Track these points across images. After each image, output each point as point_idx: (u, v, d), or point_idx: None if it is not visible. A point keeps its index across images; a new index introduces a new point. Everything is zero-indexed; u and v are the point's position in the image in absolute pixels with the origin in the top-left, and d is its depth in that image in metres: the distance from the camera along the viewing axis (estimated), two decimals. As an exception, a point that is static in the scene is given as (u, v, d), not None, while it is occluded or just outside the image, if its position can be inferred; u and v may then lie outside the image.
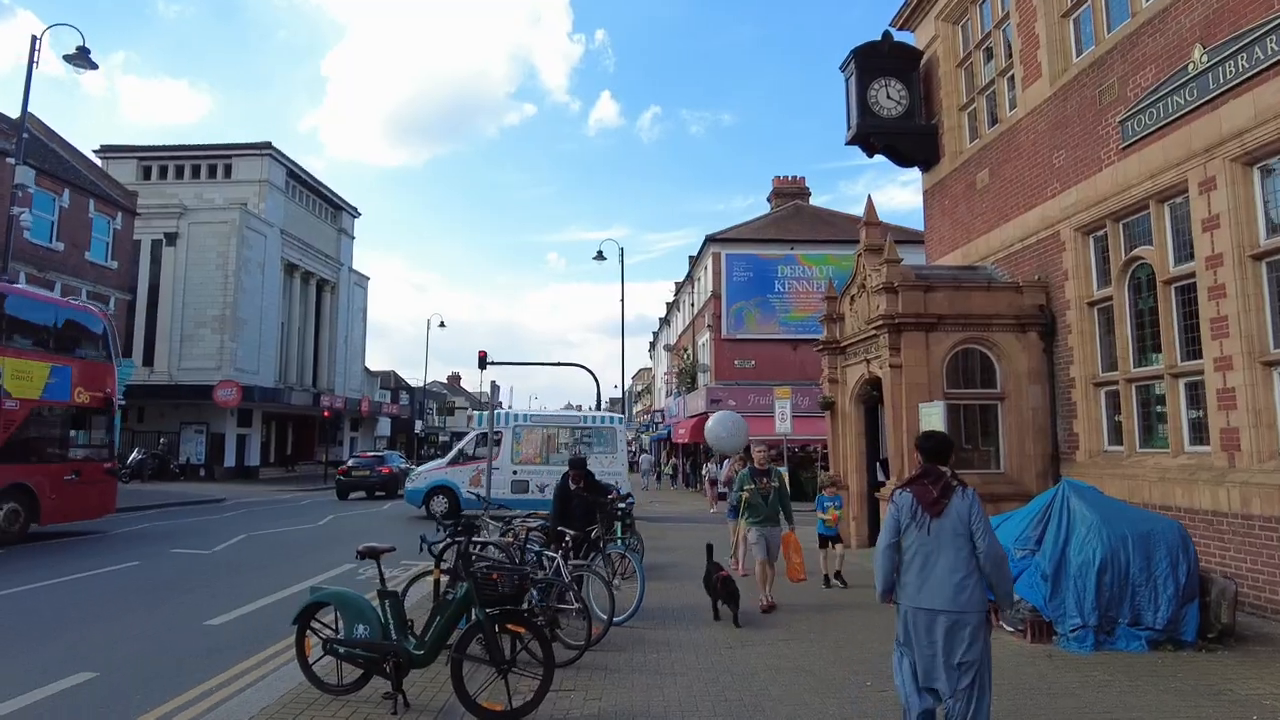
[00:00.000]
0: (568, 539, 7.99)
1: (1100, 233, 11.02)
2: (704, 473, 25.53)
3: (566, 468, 9.66)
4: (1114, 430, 10.89)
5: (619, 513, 11.55)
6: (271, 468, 47.82)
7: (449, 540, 6.99)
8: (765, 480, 9.37)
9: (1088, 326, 11.30)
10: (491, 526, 10.01)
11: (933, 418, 10.61)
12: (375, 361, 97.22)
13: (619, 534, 11.48)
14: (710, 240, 32.81)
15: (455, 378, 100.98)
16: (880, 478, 14.33)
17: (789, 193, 38.47)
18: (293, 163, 49.21)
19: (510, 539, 8.59)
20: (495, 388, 17.80)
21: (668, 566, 12.49)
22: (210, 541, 15.28)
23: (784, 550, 9.48)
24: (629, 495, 12.44)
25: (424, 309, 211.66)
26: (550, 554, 7.82)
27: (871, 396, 12.63)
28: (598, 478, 10.44)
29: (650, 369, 71.47)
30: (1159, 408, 10.01)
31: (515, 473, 21.04)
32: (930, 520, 4.24)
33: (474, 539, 6.58)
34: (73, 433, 16.34)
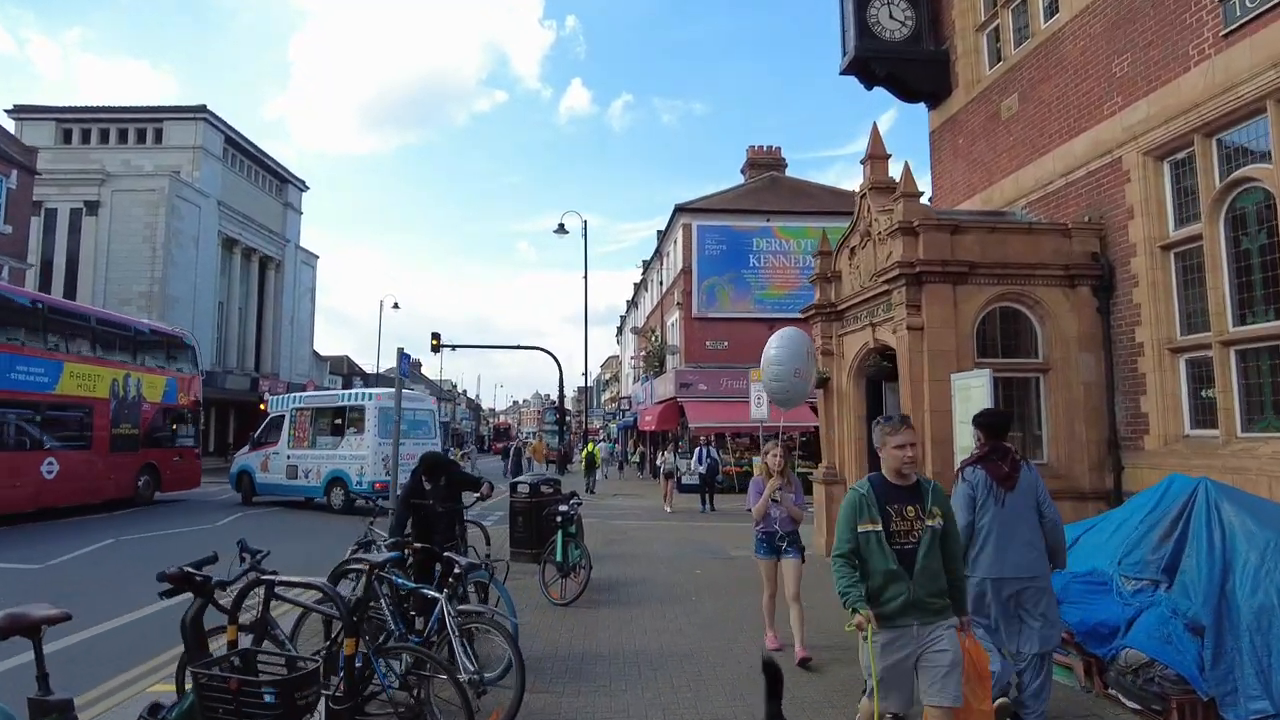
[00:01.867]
0: (457, 568, 5.22)
1: (1182, 154, 8.52)
2: (659, 463, 22.69)
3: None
4: (1200, 410, 8.44)
5: (561, 519, 8.84)
6: (211, 457, 44.26)
7: (244, 573, 4.26)
8: (910, 507, 4.02)
9: (1160, 277, 8.81)
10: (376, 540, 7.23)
11: (974, 392, 8.05)
12: (341, 350, 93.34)
13: (559, 547, 8.78)
14: (680, 210, 30.12)
15: (415, 365, 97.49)
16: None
17: (764, 164, 35.88)
18: (231, 129, 45.55)
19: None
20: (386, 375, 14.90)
21: (625, 585, 9.85)
22: (56, 551, 12.29)
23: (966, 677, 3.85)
24: (574, 495, 9.75)
25: (392, 297, 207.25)
26: (430, 591, 5.09)
27: (878, 369, 10.11)
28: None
29: (618, 357, 68.71)
30: (1275, 378, 7.55)
31: (289, 458, 20.32)
32: (1006, 494, 4.67)
33: (256, 577, 3.85)
34: (174, 426, 21.78)
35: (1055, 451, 9.55)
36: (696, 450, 20.41)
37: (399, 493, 6.47)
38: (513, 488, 11.98)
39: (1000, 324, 9.72)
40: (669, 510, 18.92)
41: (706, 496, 19.28)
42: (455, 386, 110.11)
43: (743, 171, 36.55)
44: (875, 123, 11.33)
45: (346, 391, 23.02)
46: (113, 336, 19.62)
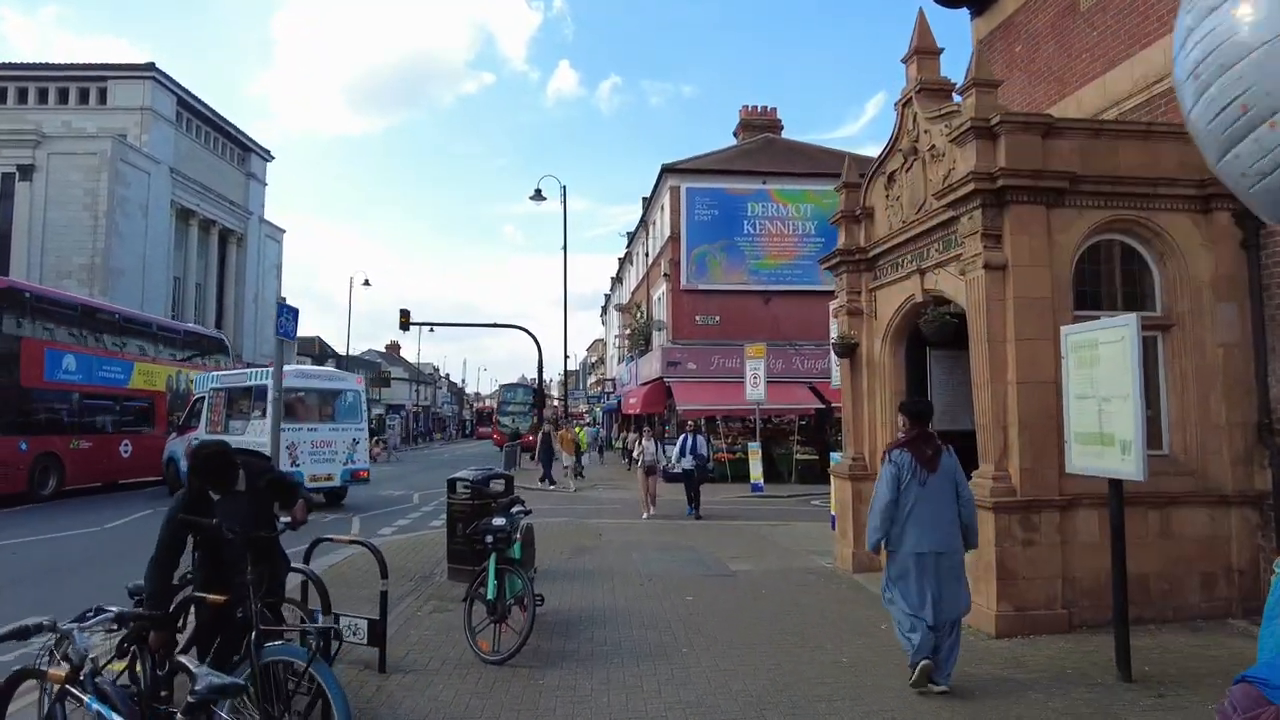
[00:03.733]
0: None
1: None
2: (635, 454, 18.47)
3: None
4: None
5: (492, 539, 6.16)
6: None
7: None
8: None
9: (1347, 191, 6.19)
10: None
11: (1105, 352, 5.33)
12: (323, 334, 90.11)
13: (490, 579, 6.11)
14: (668, 171, 27.34)
15: (394, 347, 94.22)
16: (929, 461, 9.16)
17: (759, 125, 33.07)
18: (186, 91, 42.23)
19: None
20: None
21: (589, 624, 7.20)
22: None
23: None
24: (516, 503, 7.04)
25: (363, 274, 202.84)
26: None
27: (942, 325, 7.33)
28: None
29: (604, 340, 65.95)
30: None
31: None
32: (928, 475, 5.13)
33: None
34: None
35: (1180, 438, 6.96)
36: (681, 438, 15.60)
37: (168, 513, 3.68)
38: (451, 485, 9.30)
39: (1097, 265, 7.10)
40: (647, 516, 14.52)
41: (692, 499, 14.83)
42: (437, 370, 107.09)
43: (735, 134, 33.76)
44: (921, 10, 8.61)
45: (252, 369, 20.15)
46: (166, 338, 24.08)
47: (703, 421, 23.63)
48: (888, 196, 9.14)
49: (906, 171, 8.59)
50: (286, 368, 18.79)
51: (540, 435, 23.23)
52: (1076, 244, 6.81)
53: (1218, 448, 6.83)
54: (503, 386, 56.86)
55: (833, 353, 9.61)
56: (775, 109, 33.79)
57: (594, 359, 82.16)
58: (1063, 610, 6.46)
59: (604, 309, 55.82)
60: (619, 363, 40.97)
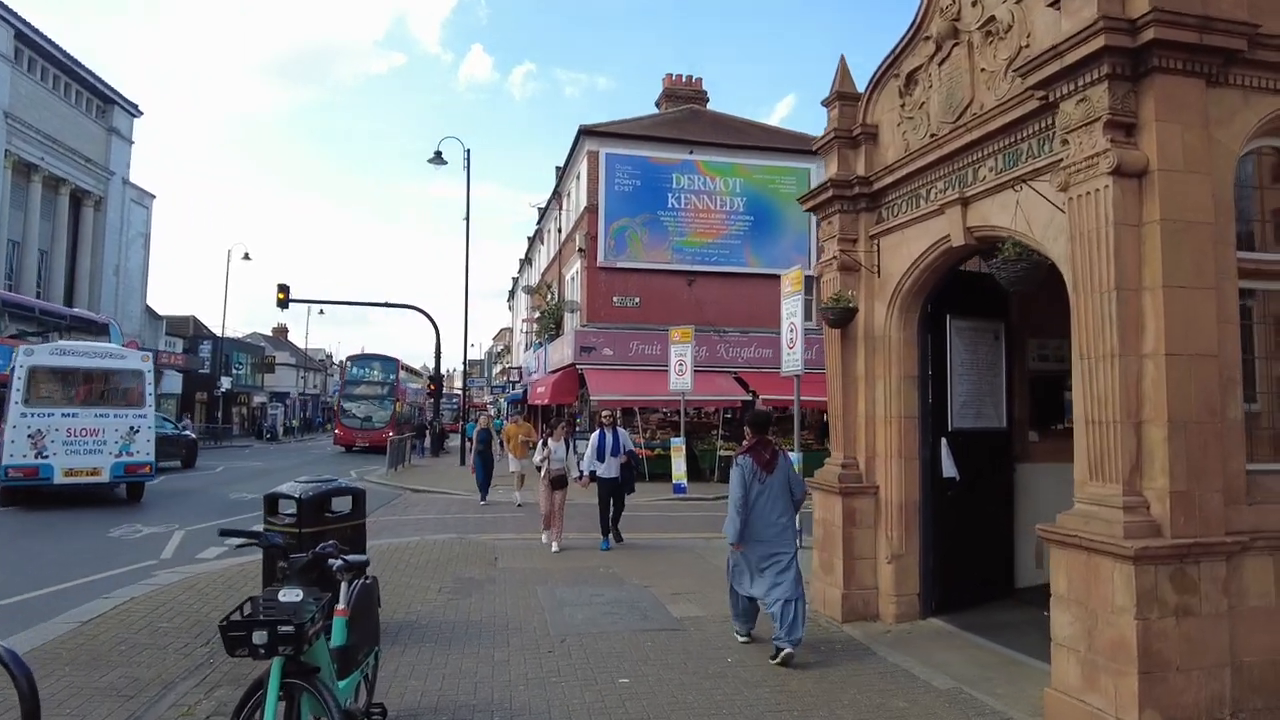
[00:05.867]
0: None
1: None
2: (538, 461, 11.24)
3: None
4: None
5: (274, 636, 3.19)
6: None
7: None
8: None
9: None
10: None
11: None
12: (207, 315, 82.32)
13: (270, 708, 3.14)
14: (586, 134, 24.45)
15: (282, 330, 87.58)
16: (950, 472, 6.74)
17: (684, 95, 30.56)
18: (29, 24, 36.34)
19: None
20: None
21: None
22: None
23: None
24: (329, 559, 4.01)
25: (271, 264, 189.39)
26: None
27: (1030, 269, 4.66)
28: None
29: (510, 328, 62.43)
30: None
31: None
32: (766, 476, 5.95)
33: None
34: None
35: (1365, 445, 4.67)
36: (597, 435, 10.75)
37: None
38: (270, 505, 6.24)
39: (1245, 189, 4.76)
40: (553, 543, 10.29)
41: (610, 522, 10.57)
42: (330, 357, 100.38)
43: (658, 104, 31.13)
44: None
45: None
46: (50, 322, 22.82)
47: (618, 413, 20.98)
48: (903, 107, 6.63)
49: (940, 65, 6.09)
50: (41, 345, 15.14)
51: (477, 434, 16.88)
52: (1239, 147, 4.44)
53: None
54: (350, 359, 38.03)
55: (822, 321, 7.06)
56: (701, 80, 31.36)
57: (500, 348, 78.39)
58: (1229, 718, 4.08)
59: (511, 293, 52.24)
60: (526, 349, 37.83)
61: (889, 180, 6.65)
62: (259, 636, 3.00)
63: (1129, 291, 4.18)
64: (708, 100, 30.96)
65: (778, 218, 25.05)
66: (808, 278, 10.06)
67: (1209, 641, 4.05)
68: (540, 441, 11.60)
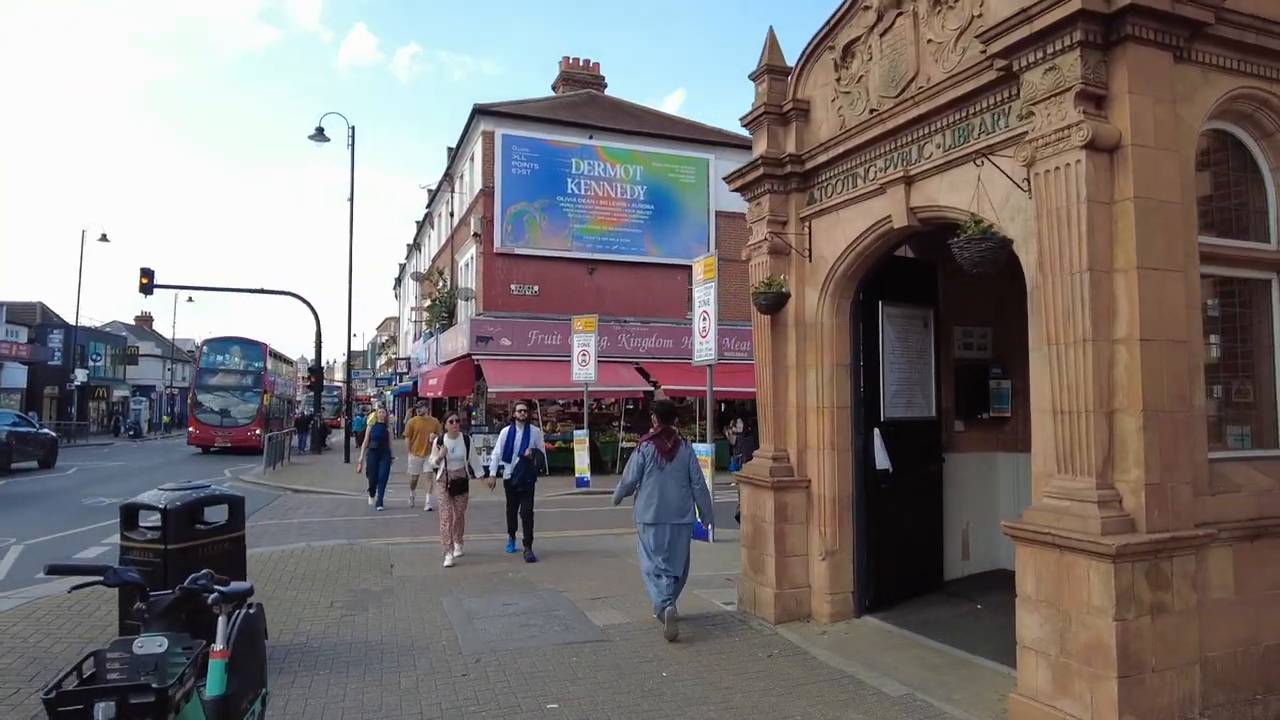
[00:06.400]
0: None
1: None
2: (431, 463, 9.91)
3: None
4: None
5: (123, 703, 2.43)
6: None
7: None
8: None
9: None
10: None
11: None
12: (59, 301, 74.36)
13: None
14: (481, 113, 23.36)
15: (146, 318, 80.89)
16: (883, 463, 6.50)
17: (581, 79, 29.85)
18: None
19: None
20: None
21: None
22: None
23: None
24: (221, 586, 3.25)
25: (138, 248, 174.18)
26: None
27: (996, 249, 4.36)
28: None
29: (397, 318, 59.90)
30: None
31: None
32: (666, 463, 6.42)
33: None
34: None
35: (1304, 433, 4.67)
36: (506, 432, 9.65)
37: None
38: (128, 517, 5.27)
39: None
40: (452, 559, 8.88)
41: (518, 526, 9.45)
42: (200, 347, 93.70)
43: (554, 88, 30.31)
44: None
45: None
46: None
47: (519, 405, 20.33)
48: (839, 81, 6.31)
49: (881, 36, 5.78)
50: None
51: (371, 429, 14.31)
52: (1199, 126, 4.30)
53: (1353, 445, 4.66)
54: (205, 343, 31.68)
55: (752, 306, 6.66)
56: (598, 64, 30.74)
57: (384, 338, 75.29)
58: (1200, 718, 3.93)
59: (398, 280, 49.92)
60: (415, 339, 36.19)
61: (823, 158, 6.32)
62: (104, 710, 2.25)
63: (1101, 274, 3.95)
64: (605, 86, 30.37)
65: (678, 207, 24.82)
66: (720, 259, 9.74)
67: (1182, 639, 3.88)
68: (434, 440, 9.64)
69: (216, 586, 3.10)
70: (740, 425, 24.05)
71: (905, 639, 5.90)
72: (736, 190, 7.16)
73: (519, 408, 10.41)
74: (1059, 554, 3.94)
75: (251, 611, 3.62)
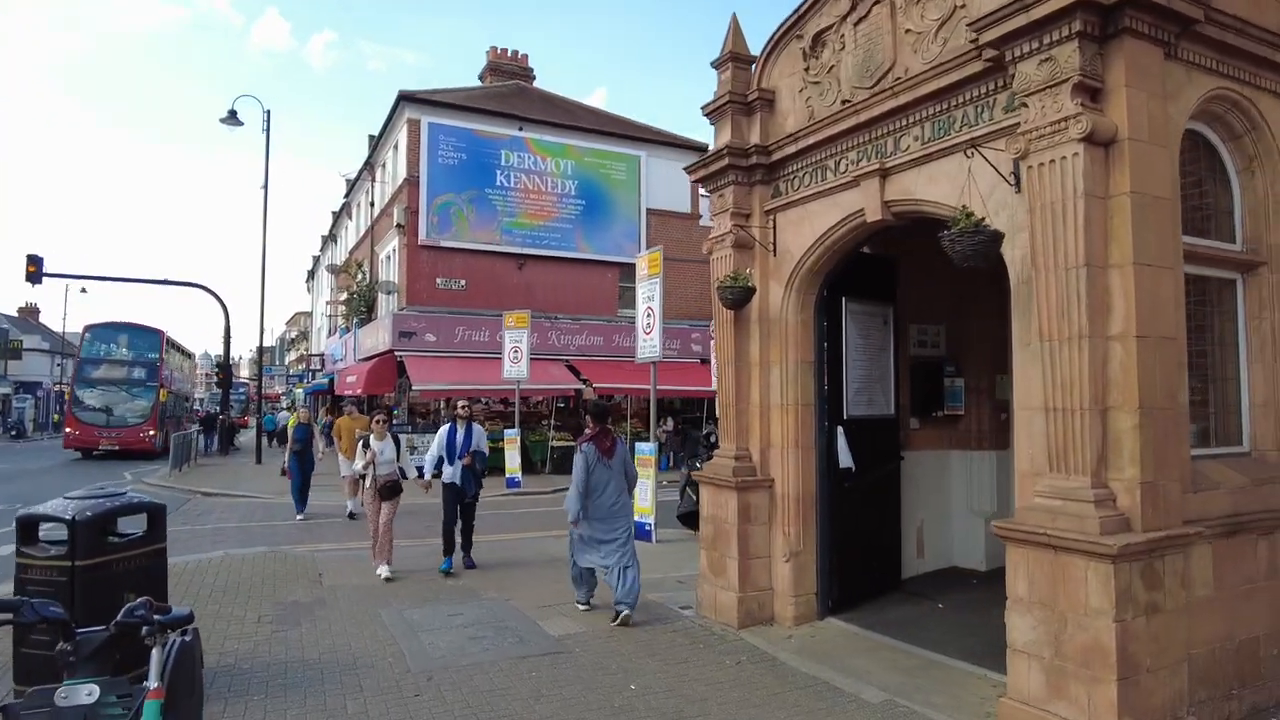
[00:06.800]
0: None
1: None
2: (359, 464, 8.71)
3: None
4: None
5: None
6: None
7: None
8: None
9: None
10: None
11: None
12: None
13: None
14: (406, 100, 22.49)
15: (31, 310, 75.21)
16: (846, 461, 6.40)
17: (509, 71, 29.20)
18: None
19: None
20: None
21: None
22: None
23: None
24: (158, 615, 2.81)
25: (20, 239, 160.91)
26: None
27: (987, 243, 4.23)
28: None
29: (309, 313, 57.52)
30: None
31: None
32: (607, 460, 6.63)
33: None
34: None
35: (1264, 429, 4.78)
36: (446, 431, 8.69)
37: None
38: (25, 531, 4.63)
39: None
40: (389, 571, 8.05)
41: (455, 536, 8.55)
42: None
43: (481, 79, 29.55)
44: None
45: None
46: None
47: (448, 403, 19.72)
48: (807, 71, 6.15)
49: (856, 25, 5.65)
50: None
51: (293, 429, 12.99)
52: (1183, 123, 4.30)
53: (1312, 442, 4.77)
54: (88, 330, 26.92)
55: (715, 301, 6.43)
56: (527, 55, 30.16)
57: (294, 333, 72.27)
58: (1190, 717, 3.91)
59: (311, 273, 47.78)
60: (330, 335, 34.72)
61: (791, 150, 6.15)
62: None
63: (1097, 269, 3.89)
64: (534, 78, 29.82)
65: (610, 204, 24.53)
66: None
67: (1173, 638, 3.86)
68: (360, 442, 8.70)
69: (156, 616, 2.66)
70: (670, 424, 24.05)
71: (872, 641, 5.80)
72: (698, 181, 6.93)
73: (461, 404, 9.31)
74: (1054, 555, 3.86)
75: (187, 639, 3.16)
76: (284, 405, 46.45)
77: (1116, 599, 3.62)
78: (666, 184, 25.71)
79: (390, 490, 8.32)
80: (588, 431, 6.90)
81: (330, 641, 6.00)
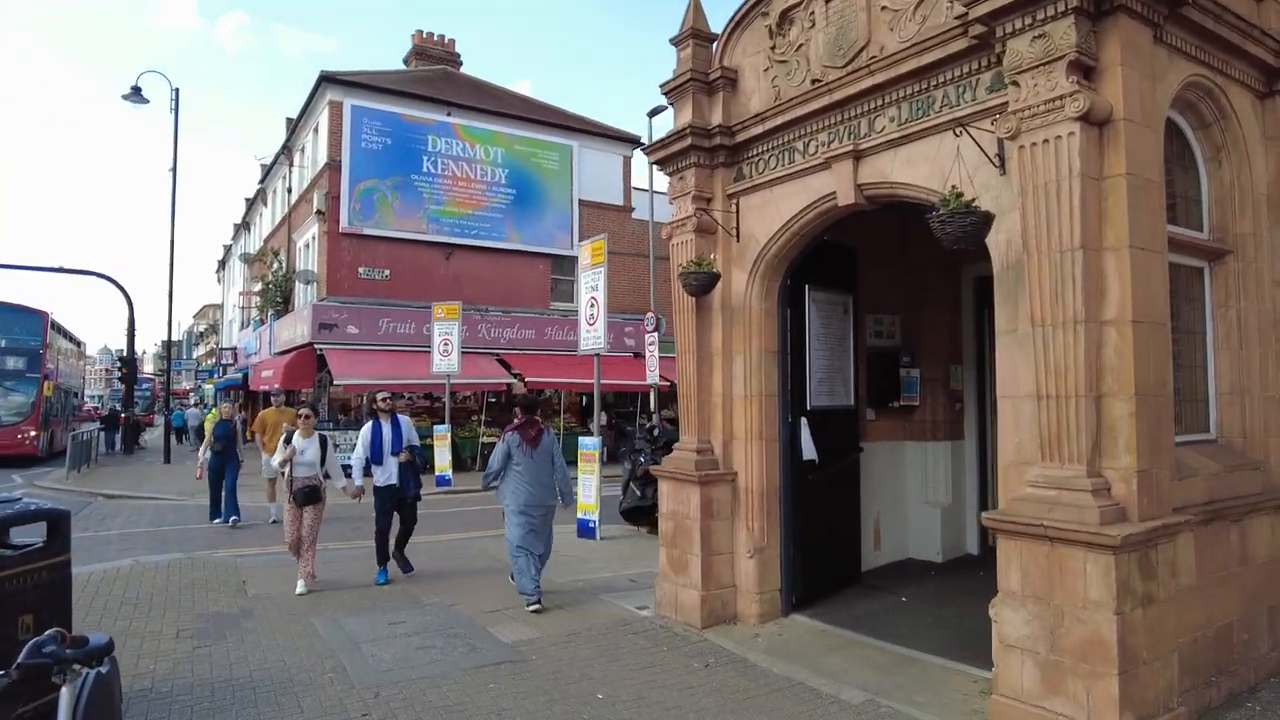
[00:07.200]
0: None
1: None
2: (277, 459, 8.09)
3: None
4: None
5: None
6: None
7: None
8: None
9: None
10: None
11: None
12: None
13: None
14: (328, 81, 21.41)
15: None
16: (810, 453, 6.24)
17: (436, 55, 28.23)
18: None
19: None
20: None
21: None
22: None
23: None
24: (70, 649, 2.40)
25: None
26: None
27: (977, 224, 4.04)
28: None
29: (220, 305, 54.73)
30: None
31: None
32: (532, 450, 6.81)
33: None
34: None
35: (1234, 416, 4.82)
36: (370, 428, 7.90)
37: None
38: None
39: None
40: (305, 586, 7.23)
41: (388, 545, 7.81)
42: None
43: (406, 62, 28.50)
44: None
45: None
46: None
47: (380, 395, 18.93)
48: (774, 49, 5.94)
49: (828, 2, 5.45)
50: None
51: (213, 427, 11.61)
52: (1166, 108, 4.24)
53: (1276, 429, 4.83)
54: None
55: (681, 287, 6.16)
56: (454, 41, 29.24)
57: (203, 327, 68.73)
58: (1181, 709, 3.85)
59: (223, 262, 45.33)
60: (244, 327, 32.98)
61: (757, 131, 5.93)
62: None
63: (1093, 253, 3.78)
64: (461, 64, 28.94)
65: (541, 194, 24.00)
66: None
67: (1166, 628, 3.80)
68: (282, 439, 7.80)
69: (70, 651, 2.21)
70: (603, 418, 23.73)
71: (841, 638, 5.64)
72: (656, 162, 6.63)
73: (382, 396, 8.22)
74: (1049, 547, 3.74)
75: (104, 671, 2.68)
76: (192, 402, 44.05)
77: (1117, 591, 3.52)
78: (599, 175, 25.37)
79: (307, 495, 7.29)
80: (515, 420, 7.16)
81: (261, 657, 5.48)
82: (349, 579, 7.78)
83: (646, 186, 22.90)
